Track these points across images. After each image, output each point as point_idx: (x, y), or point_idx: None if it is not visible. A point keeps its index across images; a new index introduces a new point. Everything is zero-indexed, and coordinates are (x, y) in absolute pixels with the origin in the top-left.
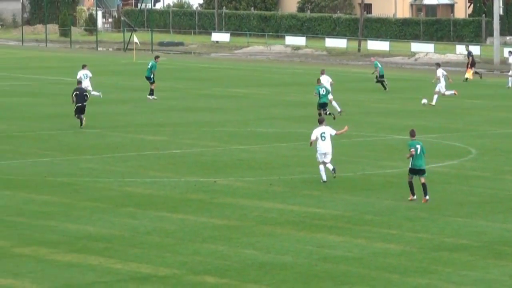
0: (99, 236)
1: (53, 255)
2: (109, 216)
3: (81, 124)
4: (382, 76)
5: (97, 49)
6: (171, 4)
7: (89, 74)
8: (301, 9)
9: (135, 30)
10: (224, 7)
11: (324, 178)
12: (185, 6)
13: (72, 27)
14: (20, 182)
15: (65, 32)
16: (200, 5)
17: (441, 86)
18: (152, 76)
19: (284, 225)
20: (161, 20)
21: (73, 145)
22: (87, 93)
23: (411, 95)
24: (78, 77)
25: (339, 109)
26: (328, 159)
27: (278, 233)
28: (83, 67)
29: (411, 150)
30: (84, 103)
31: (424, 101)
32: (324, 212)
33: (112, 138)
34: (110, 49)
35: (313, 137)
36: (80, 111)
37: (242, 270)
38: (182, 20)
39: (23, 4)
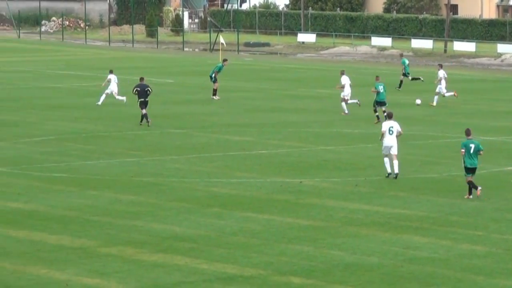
0: (185, 236)
1: (139, 255)
2: (195, 216)
3: (144, 120)
4: (405, 75)
5: (183, 49)
6: (257, 4)
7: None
8: (387, 9)
9: (221, 31)
10: (310, 7)
11: (389, 170)
12: (271, 7)
13: (159, 28)
14: (106, 182)
15: (151, 33)
16: (286, 5)
17: (441, 87)
18: (213, 75)
19: (370, 226)
20: (247, 20)
21: (159, 145)
22: (149, 88)
23: (498, 96)
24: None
25: (346, 111)
26: (394, 151)
27: (364, 234)
28: (111, 72)
29: (462, 150)
30: (146, 98)
31: (418, 101)
32: (409, 213)
33: (198, 138)
34: (196, 50)
35: (383, 129)
36: (143, 105)
37: (327, 271)
38: (268, 20)
39: (110, 5)
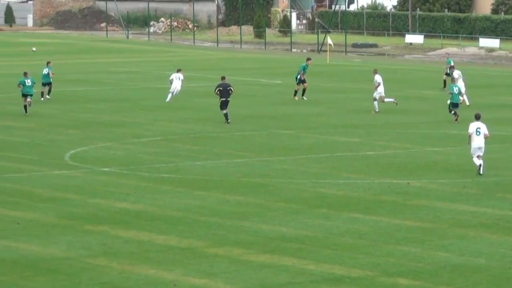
0: (292, 237)
1: (246, 256)
2: (302, 217)
3: (227, 120)
4: (448, 74)
5: (291, 50)
6: (365, 5)
7: (181, 77)
8: (495, 10)
9: (329, 32)
10: (418, 8)
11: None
12: (379, 8)
13: (267, 29)
14: (214, 183)
15: (259, 34)
16: (394, 6)
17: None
18: (298, 77)
19: (477, 228)
20: (354, 21)
21: (267, 146)
22: (231, 88)
23: None
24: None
25: (377, 110)
26: (481, 152)
27: (471, 236)
28: (178, 71)
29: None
30: (228, 98)
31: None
32: None
33: (306, 139)
34: (304, 51)
35: (470, 131)
36: (224, 105)
37: (434, 273)
38: (376, 21)
39: (218, 6)
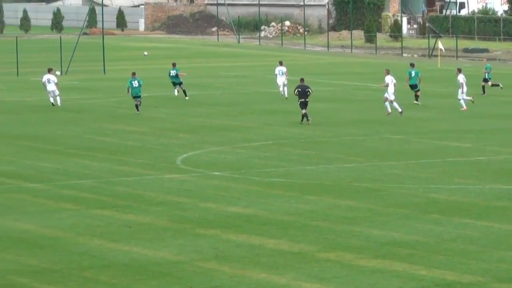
0: (403, 242)
1: (357, 261)
2: (413, 222)
3: (304, 119)
4: (486, 80)
5: (401, 55)
6: (476, 10)
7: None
8: None
9: (440, 37)
10: None
11: None
12: (490, 13)
13: (377, 33)
14: (325, 187)
15: (370, 38)
16: (505, 11)
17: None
18: (416, 82)
19: None
20: (465, 26)
21: (378, 151)
22: (309, 89)
23: None
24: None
25: (389, 110)
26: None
27: None
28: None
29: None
30: (307, 99)
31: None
32: None
33: (416, 144)
34: (415, 55)
35: None
36: (303, 106)
37: None
38: (487, 26)
39: (328, 10)
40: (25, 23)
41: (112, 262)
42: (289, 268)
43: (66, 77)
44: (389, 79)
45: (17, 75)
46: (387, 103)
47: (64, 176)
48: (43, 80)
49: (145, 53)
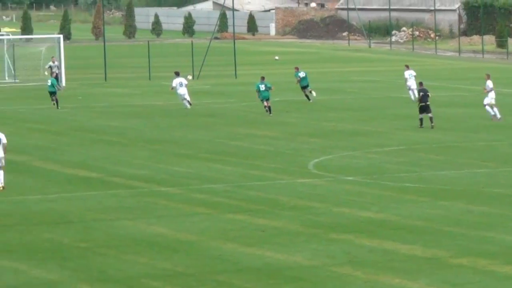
0: None
1: (491, 267)
2: None
3: (425, 123)
4: None
5: None
6: None
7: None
8: None
9: None
10: None
11: None
12: None
13: (509, 39)
14: (457, 193)
15: (501, 44)
16: None
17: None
18: None
19: None
20: None
21: (511, 156)
22: (429, 93)
23: None
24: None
25: (492, 114)
26: None
27: None
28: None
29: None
30: (428, 102)
31: None
32: None
33: None
34: None
35: None
36: (424, 109)
37: None
38: None
39: (459, 15)
40: (156, 27)
41: (246, 266)
42: (422, 273)
43: (198, 81)
44: (490, 84)
45: (149, 79)
46: (488, 107)
47: (197, 180)
48: (174, 84)
49: (276, 57)
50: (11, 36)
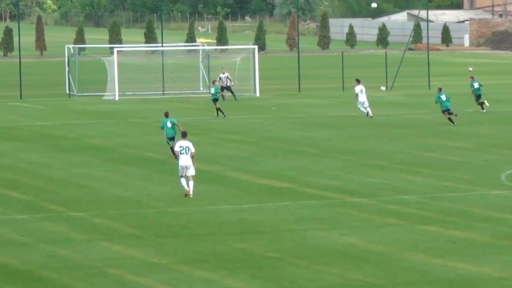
0: None
1: None
2: None
3: None
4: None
5: None
6: None
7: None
8: None
9: None
10: None
11: None
12: None
13: None
14: None
15: None
16: None
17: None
18: None
19: None
20: None
21: None
22: None
23: None
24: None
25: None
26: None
27: None
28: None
29: None
30: None
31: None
32: None
33: None
34: None
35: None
36: None
37: None
38: None
39: None
40: (350, 38)
41: (437, 277)
42: None
43: (391, 92)
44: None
45: (343, 90)
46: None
47: (389, 191)
48: (357, 91)
49: (470, 69)
50: (206, 47)
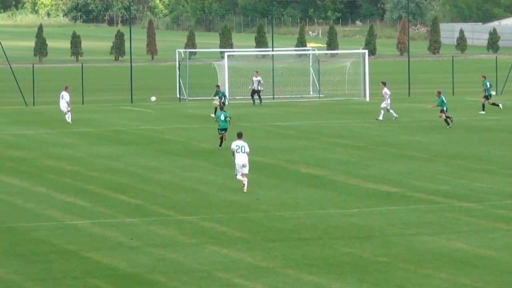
0: None
1: None
2: None
3: None
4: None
5: None
6: None
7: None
8: None
9: None
10: None
11: None
12: None
13: None
14: None
15: None
16: None
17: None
18: None
19: None
20: None
21: None
22: None
23: None
24: None
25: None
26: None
27: None
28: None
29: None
30: None
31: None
32: None
33: None
34: None
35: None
36: None
37: None
38: None
39: None
40: (461, 43)
41: None
42: None
43: (501, 97)
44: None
45: (453, 94)
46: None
47: (498, 196)
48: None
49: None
50: (316, 51)
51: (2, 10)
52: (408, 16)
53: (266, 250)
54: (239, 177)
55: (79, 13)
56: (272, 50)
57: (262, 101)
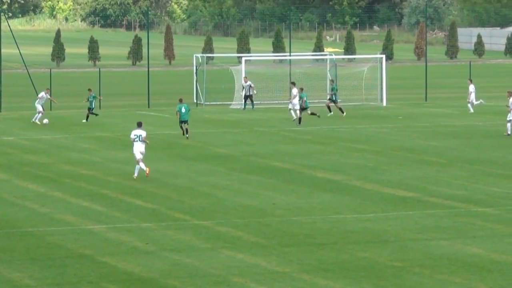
0: None
1: None
2: None
3: None
4: None
5: None
6: None
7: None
8: None
9: None
10: None
11: None
12: None
13: None
14: None
15: None
16: None
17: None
18: None
19: None
20: None
21: None
22: None
23: None
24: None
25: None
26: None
27: None
28: None
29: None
30: None
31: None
32: None
33: None
34: None
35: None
36: None
37: None
38: None
39: None
40: (479, 47)
41: None
42: None
43: None
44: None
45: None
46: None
47: None
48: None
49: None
50: (334, 56)
51: (20, 15)
52: (426, 21)
53: (282, 255)
54: (136, 175)
55: (97, 18)
56: (290, 55)
57: (254, 106)
